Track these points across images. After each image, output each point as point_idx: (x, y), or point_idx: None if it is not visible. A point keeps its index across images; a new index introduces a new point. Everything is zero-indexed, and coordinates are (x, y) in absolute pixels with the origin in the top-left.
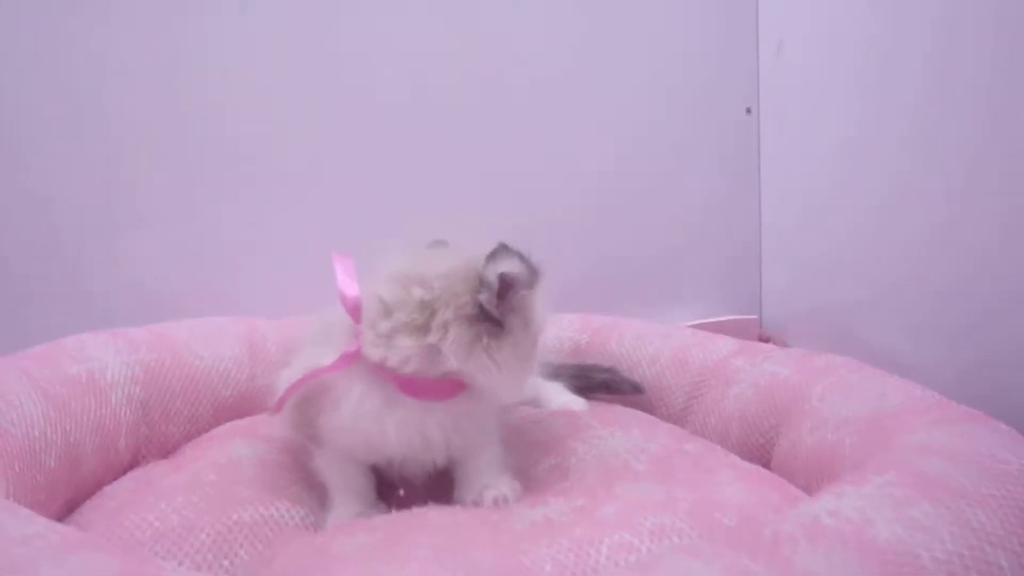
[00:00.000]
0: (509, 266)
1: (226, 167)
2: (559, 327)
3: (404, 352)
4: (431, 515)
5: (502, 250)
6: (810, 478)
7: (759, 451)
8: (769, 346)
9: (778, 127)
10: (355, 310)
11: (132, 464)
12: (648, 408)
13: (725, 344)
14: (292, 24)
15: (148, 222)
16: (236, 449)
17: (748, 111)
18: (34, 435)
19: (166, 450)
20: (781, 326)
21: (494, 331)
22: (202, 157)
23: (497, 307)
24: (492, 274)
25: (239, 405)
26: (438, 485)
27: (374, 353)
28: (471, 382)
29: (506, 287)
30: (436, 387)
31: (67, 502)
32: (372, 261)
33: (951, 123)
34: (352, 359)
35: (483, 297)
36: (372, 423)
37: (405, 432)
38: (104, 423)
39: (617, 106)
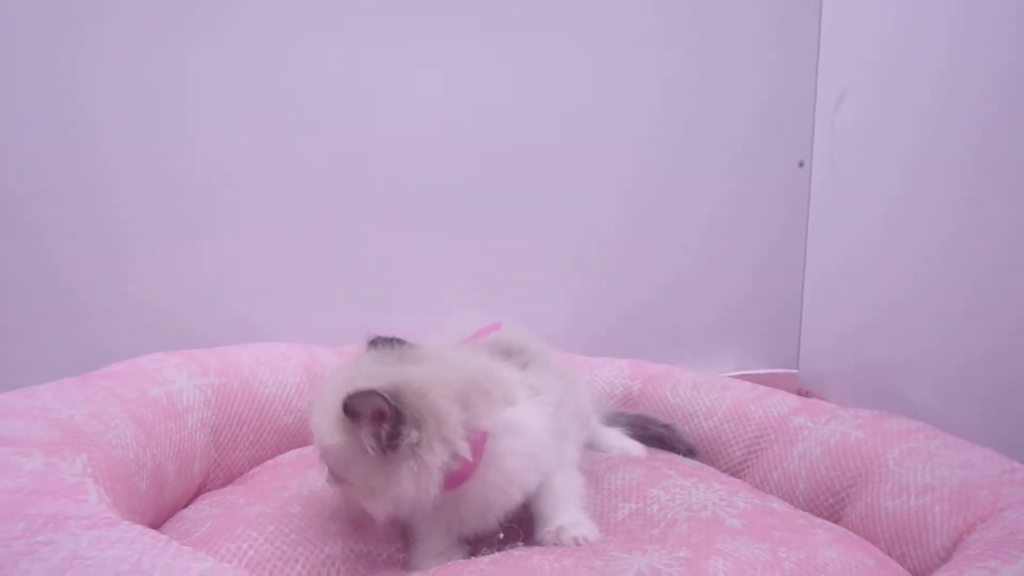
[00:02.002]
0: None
1: (292, 192)
2: (611, 372)
3: None
4: (535, 560)
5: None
6: (892, 541)
7: (828, 511)
8: (831, 404)
9: (830, 181)
10: None
11: (201, 488)
12: (705, 460)
13: (785, 400)
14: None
15: (206, 241)
16: (315, 482)
17: (801, 164)
18: (129, 458)
19: (231, 475)
20: (820, 382)
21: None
22: (268, 178)
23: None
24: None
25: (300, 432)
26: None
27: None
28: None
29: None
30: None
31: (149, 525)
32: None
33: (1000, 197)
34: None
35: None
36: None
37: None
38: (183, 447)
39: (665, 153)
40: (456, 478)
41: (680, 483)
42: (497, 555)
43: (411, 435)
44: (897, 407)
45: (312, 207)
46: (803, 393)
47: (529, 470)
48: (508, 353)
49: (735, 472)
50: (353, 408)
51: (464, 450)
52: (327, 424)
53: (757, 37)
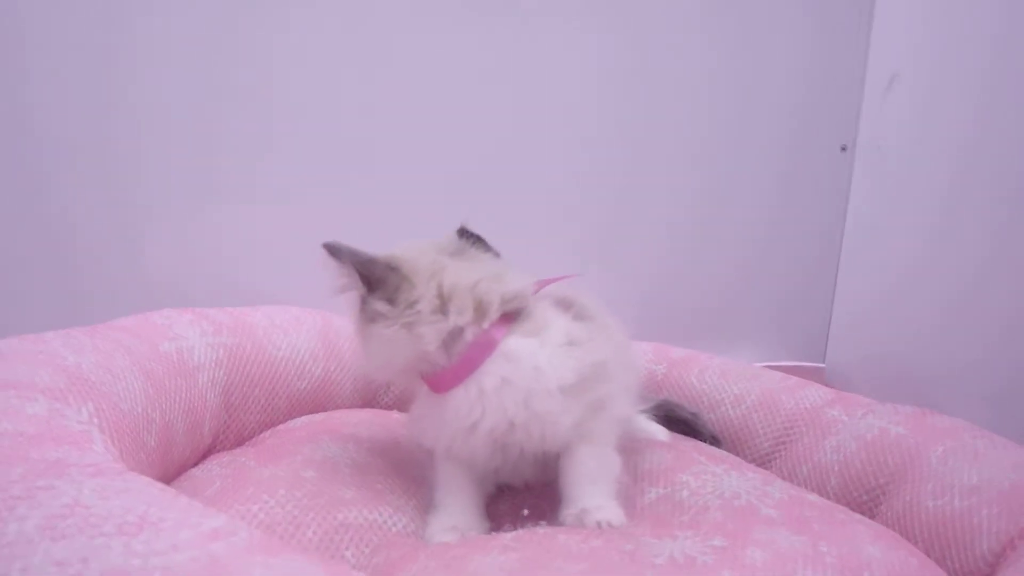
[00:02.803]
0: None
1: (310, 157)
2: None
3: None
4: (561, 539)
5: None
6: (932, 542)
7: (861, 507)
8: (868, 399)
9: (874, 169)
10: None
11: (211, 449)
12: (731, 449)
13: (818, 392)
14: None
15: (218, 205)
16: (327, 448)
17: (843, 148)
18: (137, 411)
19: (241, 437)
20: (846, 379)
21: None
22: (284, 145)
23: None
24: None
25: (312, 399)
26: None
27: None
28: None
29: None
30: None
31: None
32: None
33: None
34: None
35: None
36: (424, 418)
37: (430, 423)
38: (193, 405)
39: (701, 132)
40: (442, 380)
41: (711, 469)
42: (521, 532)
43: (376, 305)
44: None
45: (329, 175)
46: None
47: (517, 403)
48: (566, 304)
49: (762, 463)
50: (333, 254)
51: (429, 343)
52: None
53: (806, 14)
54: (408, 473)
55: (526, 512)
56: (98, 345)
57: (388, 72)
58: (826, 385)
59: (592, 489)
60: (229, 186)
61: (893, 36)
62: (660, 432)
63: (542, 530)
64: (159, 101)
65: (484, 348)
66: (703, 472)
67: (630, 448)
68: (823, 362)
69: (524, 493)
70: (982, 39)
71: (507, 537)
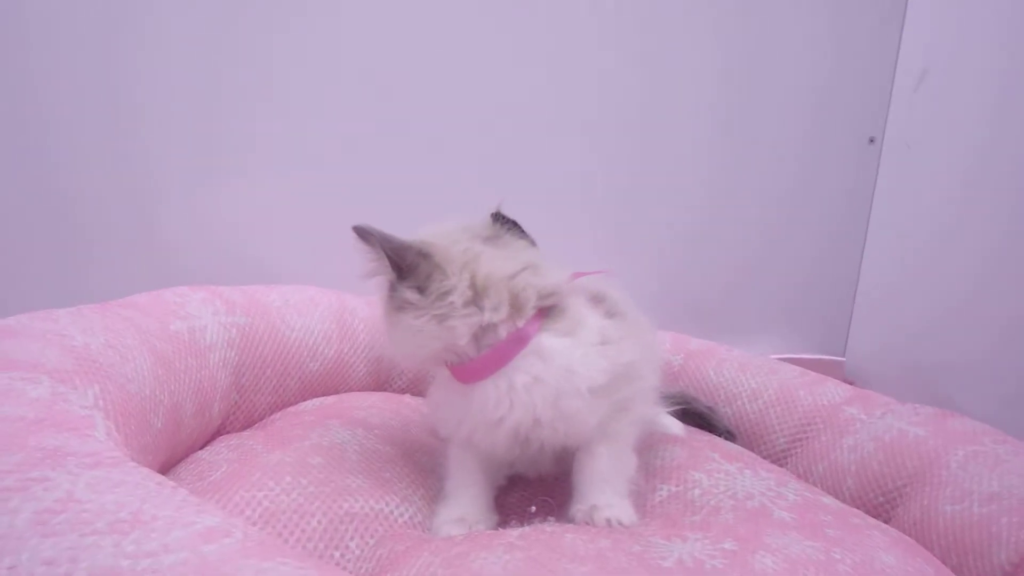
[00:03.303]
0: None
1: (320, 136)
2: None
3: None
4: (568, 538)
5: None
6: (948, 550)
7: (877, 509)
8: (886, 398)
9: (901, 163)
10: None
11: (220, 430)
12: (746, 444)
13: (837, 389)
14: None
15: (233, 182)
16: (337, 433)
17: (871, 141)
18: (145, 393)
19: (251, 419)
20: (865, 374)
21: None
22: (294, 123)
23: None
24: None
25: (324, 381)
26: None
27: None
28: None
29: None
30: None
31: (163, 464)
32: None
33: None
34: None
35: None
36: (446, 406)
37: (452, 412)
38: (203, 386)
39: (727, 117)
40: (470, 371)
41: (725, 467)
42: (527, 529)
43: (406, 293)
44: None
45: (347, 151)
46: (847, 383)
47: (547, 402)
48: (598, 299)
49: (777, 460)
50: (363, 238)
51: (460, 336)
52: None
53: (840, 4)
54: (417, 461)
55: (533, 509)
56: (108, 324)
57: (405, 51)
58: (846, 379)
59: (605, 487)
60: (245, 162)
61: (925, 31)
62: (675, 426)
63: (549, 528)
64: (170, 76)
65: (516, 343)
66: (716, 470)
67: (644, 444)
68: (843, 355)
69: (534, 487)
70: (1015, 36)
71: (513, 534)
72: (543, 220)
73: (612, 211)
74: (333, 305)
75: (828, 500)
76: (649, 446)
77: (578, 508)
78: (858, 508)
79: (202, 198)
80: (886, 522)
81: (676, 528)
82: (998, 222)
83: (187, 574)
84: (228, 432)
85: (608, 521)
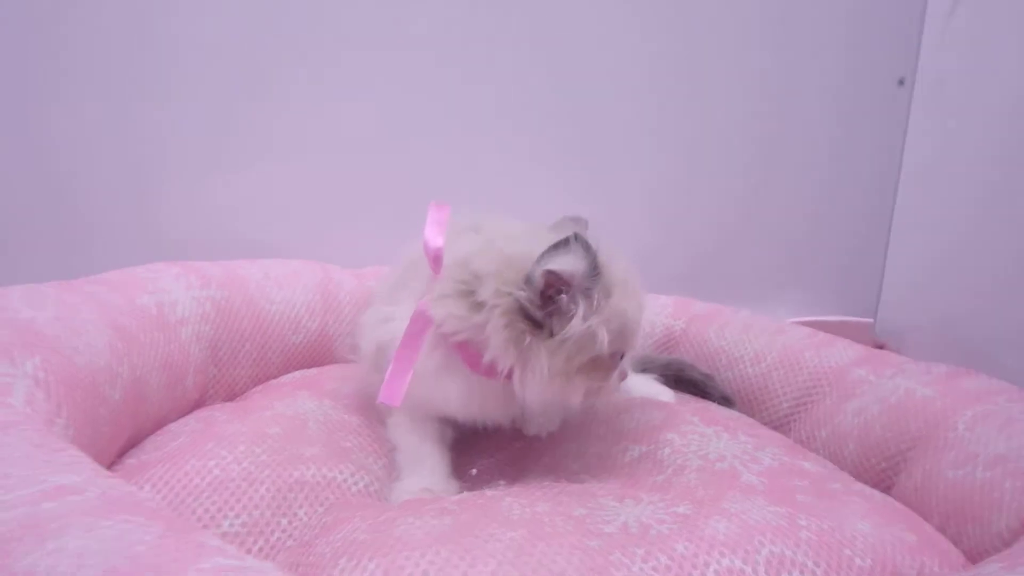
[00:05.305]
0: (563, 264)
1: (307, 113)
2: (651, 310)
3: (454, 321)
4: (506, 502)
5: (563, 244)
6: (948, 517)
7: (879, 475)
8: (900, 357)
9: (934, 104)
10: (435, 261)
11: (199, 403)
12: (747, 410)
13: (846, 349)
14: None
15: (223, 163)
16: (302, 403)
17: (901, 82)
18: (98, 365)
19: (233, 392)
20: (898, 335)
21: (535, 331)
22: (281, 101)
23: (540, 308)
24: (538, 271)
25: (308, 353)
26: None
27: (435, 312)
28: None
29: (553, 287)
30: (488, 366)
31: (131, 436)
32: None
33: None
34: (422, 317)
35: (521, 294)
36: (433, 383)
37: (464, 399)
38: (172, 360)
39: (747, 59)
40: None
41: (701, 430)
42: (466, 494)
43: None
44: (993, 375)
45: (336, 129)
46: (877, 347)
47: None
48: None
49: (779, 426)
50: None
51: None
52: None
53: None
54: (383, 432)
55: (475, 472)
56: (64, 299)
57: (410, 39)
58: (875, 341)
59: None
60: (250, 149)
61: None
62: (664, 393)
63: (491, 492)
64: (175, 68)
65: None
66: (691, 432)
67: (623, 407)
68: (872, 317)
69: (476, 450)
70: None
71: (450, 500)
72: (576, 190)
73: (643, 178)
74: (318, 277)
75: (809, 465)
76: (627, 409)
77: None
78: (860, 475)
79: (205, 184)
80: (888, 490)
81: (635, 488)
82: None
83: (10, 530)
84: (210, 404)
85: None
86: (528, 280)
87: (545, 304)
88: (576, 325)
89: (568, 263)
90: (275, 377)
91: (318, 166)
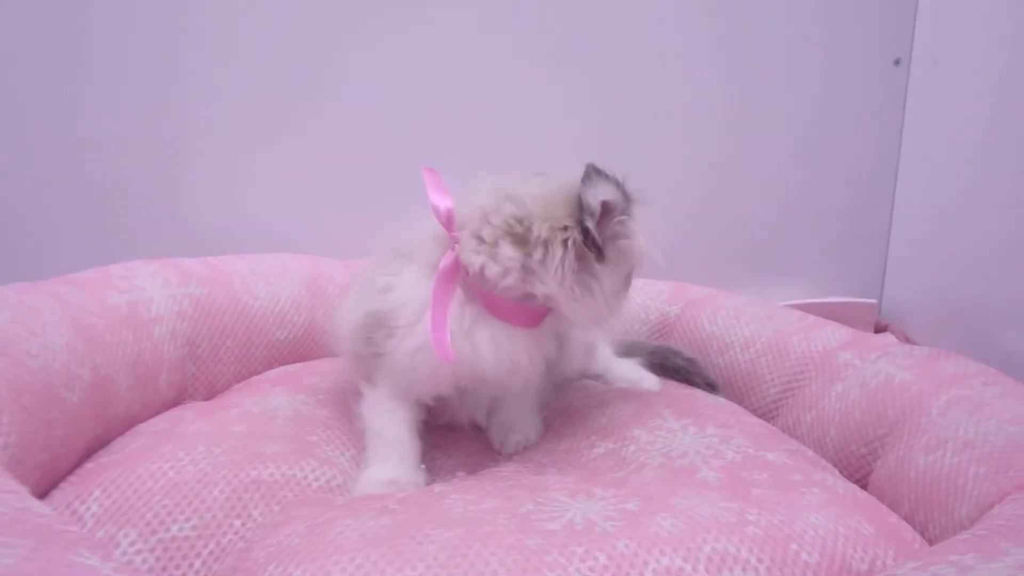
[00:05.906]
0: (607, 192)
1: (297, 104)
2: (647, 296)
3: (505, 263)
4: (451, 500)
5: (596, 175)
6: (916, 505)
7: (859, 462)
8: (887, 340)
9: (930, 83)
10: (449, 220)
11: (176, 402)
12: (735, 397)
13: (834, 333)
14: None
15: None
16: (273, 400)
17: (897, 62)
18: (54, 368)
19: (214, 390)
20: (902, 315)
21: (591, 258)
22: (271, 94)
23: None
24: (595, 200)
25: (295, 349)
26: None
27: (475, 260)
28: (556, 310)
29: (605, 214)
30: (522, 312)
31: (97, 437)
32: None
33: None
34: (453, 273)
35: (589, 223)
36: (464, 339)
37: (495, 351)
38: (143, 358)
39: (742, 40)
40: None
41: (668, 425)
42: (412, 492)
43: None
44: (998, 356)
45: (331, 119)
46: (880, 328)
47: None
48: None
49: (767, 413)
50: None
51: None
52: None
53: None
54: (354, 424)
55: (422, 467)
56: (24, 300)
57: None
58: (879, 322)
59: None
60: (270, 137)
61: None
62: (649, 380)
63: (438, 489)
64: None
65: None
66: (659, 428)
67: (598, 401)
68: (876, 298)
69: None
70: None
71: (396, 497)
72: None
73: (637, 150)
74: (306, 270)
75: (774, 456)
76: (600, 404)
77: (495, 434)
78: (839, 462)
79: (225, 172)
80: (867, 475)
81: (589, 484)
82: None
83: None
84: (187, 403)
85: (517, 444)
86: (587, 211)
87: (600, 232)
88: (639, 242)
89: (611, 191)
90: (259, 373)
91: (342, 156)
